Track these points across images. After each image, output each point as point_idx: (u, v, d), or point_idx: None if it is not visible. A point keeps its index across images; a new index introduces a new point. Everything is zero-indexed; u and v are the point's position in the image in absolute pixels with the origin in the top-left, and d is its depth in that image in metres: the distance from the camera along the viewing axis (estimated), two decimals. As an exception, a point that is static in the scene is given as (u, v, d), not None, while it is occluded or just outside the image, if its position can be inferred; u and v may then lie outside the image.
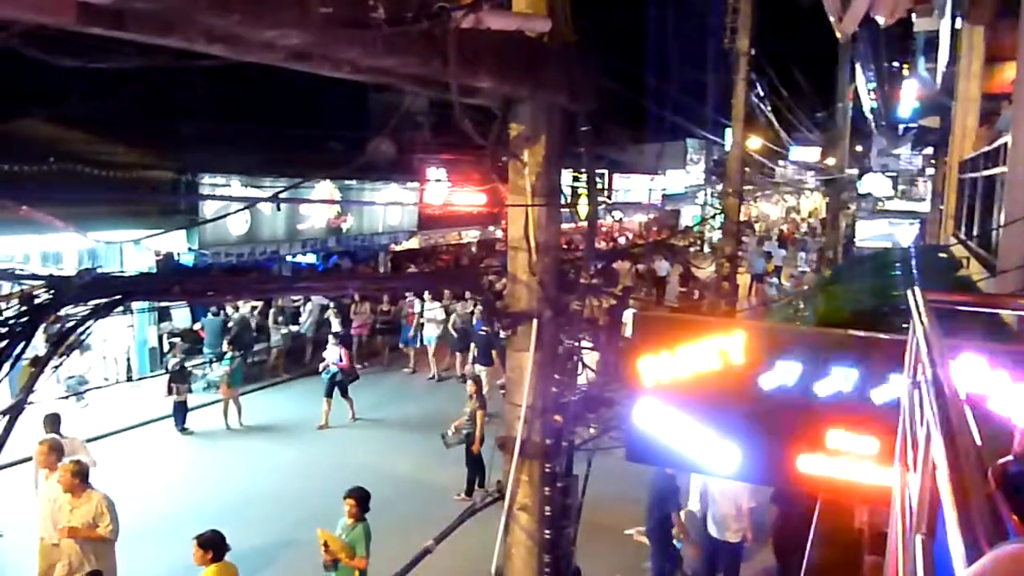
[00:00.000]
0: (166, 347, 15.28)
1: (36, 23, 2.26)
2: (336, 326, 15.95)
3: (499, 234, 25.32)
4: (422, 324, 17.15)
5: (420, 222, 22.99)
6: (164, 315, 16.02)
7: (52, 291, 2.33)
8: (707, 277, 18.17)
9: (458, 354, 16.74)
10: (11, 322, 2.22)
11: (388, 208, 20.91)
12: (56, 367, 2.66)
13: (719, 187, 24.44)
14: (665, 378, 4.67)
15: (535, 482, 4.59)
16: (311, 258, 21.97)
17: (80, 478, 6.79)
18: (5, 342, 2.22)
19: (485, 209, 23.01)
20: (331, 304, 17.22)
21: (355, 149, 18.69)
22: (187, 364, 13.47)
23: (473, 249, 27.89)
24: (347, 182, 19.12)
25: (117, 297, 2.51)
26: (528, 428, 4.49)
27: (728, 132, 15.68)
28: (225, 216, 13.40)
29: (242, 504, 10.24)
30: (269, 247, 17.31)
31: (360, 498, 6.98)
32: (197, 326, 16.41)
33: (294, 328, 17.69)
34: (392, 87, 3.80)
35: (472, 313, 16.27)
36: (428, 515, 8.09)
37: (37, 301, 2.32)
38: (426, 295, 17.15)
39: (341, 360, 13.53)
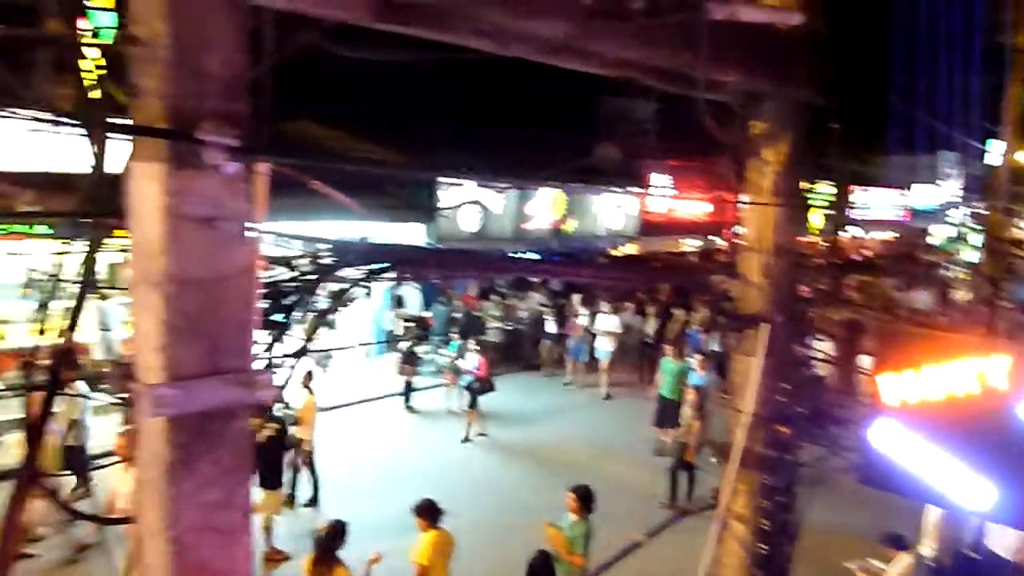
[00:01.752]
0: (399, 331, 16.56)
1: (337, 20, 2.59)
2: (552, 326, 16.31)
3: (721, 243, 24.54)
4: (593, 336, 16.12)
5: (641, 228, 22.93)
6: (399, 302, 17.37)
7: (336, 255, 2.64)
8: (963, 301, 16.33)
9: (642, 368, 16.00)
10: (302, 279, 2.56)
11: (610, 213, 21.09)
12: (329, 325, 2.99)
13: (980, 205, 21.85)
14: (911, 399, 4.30)
15: (753, 493, 4.43)
16: (534, 257, 22.74)
17: None
18: (297, 295, 2.56)
19: (708, 218, 22.43)
20: (549, 303, 17.69)
21: (582, 153, 19.05)
22: (416, 349, 14.55)
23: (693, 259, 27.31)
24: (572, 184, 19.56)
25: (386, 264, 2.79)
26: (750, 436, 4.35)
27: (992, 143, 14.00)
28: (457, 207, 14.23)
29: (450, 479, 10.86)
30: (496, 244, 18.15)
31: (582, 495, 7.02)
32: (427, 314, 17.59)
33: (513, 324, 18.36)
34: (630, 85, 3.85)
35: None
36: (632, 517, 8.08)
37: (322, 262, 2.65)
38: (602, 307, 16.23)
39: (478, 368, 13.14)
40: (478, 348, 13.46)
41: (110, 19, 8.25)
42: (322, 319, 2.76)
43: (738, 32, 3.59)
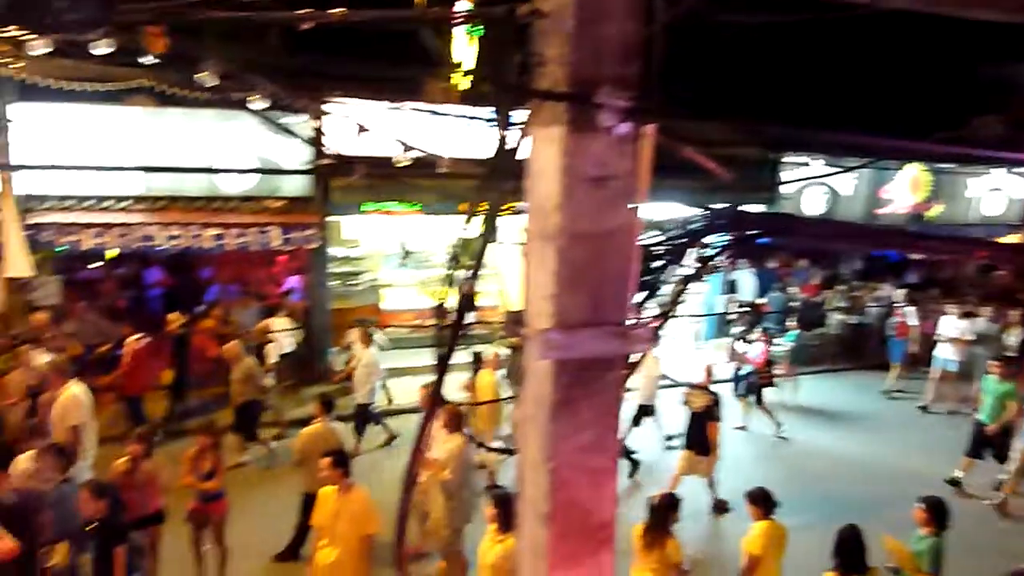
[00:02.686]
0: (731, 317, 16.15)
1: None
2: (914, 319, 14.57)
3: None
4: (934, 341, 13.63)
5: (1028, 215, 19.52)
6: (732, 287, 16.93)
7: (705, 220, 2.66)
8: None
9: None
10: (673, 242, 2.62)
11: (986, 196, 18.26)
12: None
13: None
14: None
15: None
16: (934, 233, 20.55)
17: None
18: (666, 259, 2.62)
19: None
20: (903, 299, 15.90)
21: (953, 127, 16.70)
22: (749, 336, 14.06)
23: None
24: (940, 165, 17.28)
25: (752, 232, 2.73)
26: None
27: None
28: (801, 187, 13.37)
29: (775, 473, 10.35)
30: (843, 230, 16.77)
31: (933, 507, 6.29)
32: (762, 300, 16.89)
33: (857, 318, 16.87)
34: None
35: None
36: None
37: (691, 227, 2.68)
38: (950, 309, 13.65)
39: (758, 358, 12.09)
40: (760, 338, 12.67)
41: None
42: (687, 284, 2.80)
43: None
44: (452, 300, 2.63)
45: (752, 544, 6.20)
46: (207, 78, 4.12)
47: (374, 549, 6.02)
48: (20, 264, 10.49)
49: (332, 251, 13.72)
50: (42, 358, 9.01)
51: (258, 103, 5.22)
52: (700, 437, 9.14)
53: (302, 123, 12.01)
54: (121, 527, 5.92)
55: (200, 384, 11.81)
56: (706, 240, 2.72)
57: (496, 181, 2.52)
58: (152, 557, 7.12)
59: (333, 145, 11.93)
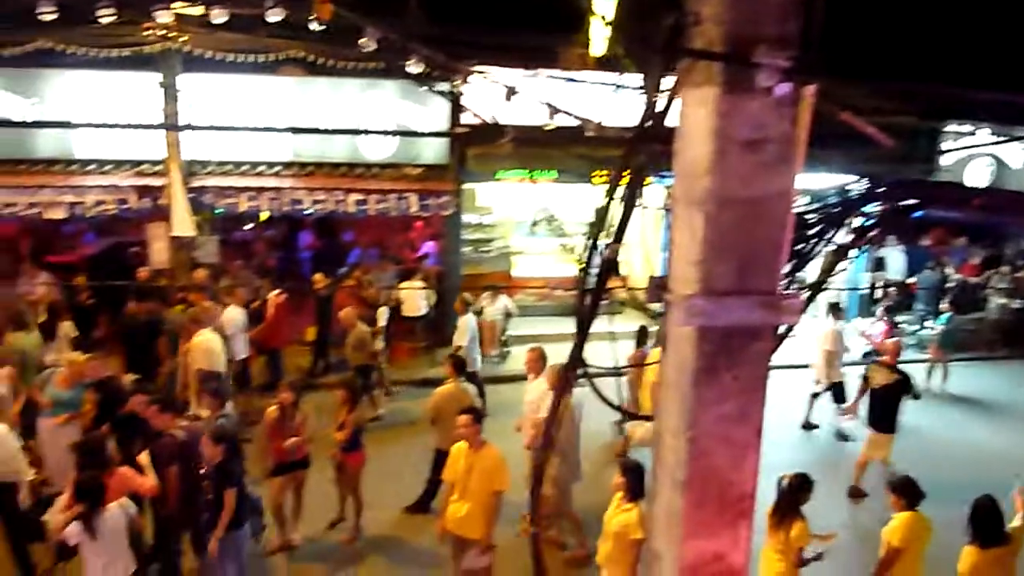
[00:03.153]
0: (877, 296, 15.25)
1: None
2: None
3: None
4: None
5: None
6: (879, 264, 15.94)
7: (863, 189, 2.52)
8: None
9: None
10: (828, 210, 2.50)
11: None
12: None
13: None
14: None
15: None
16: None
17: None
18: (819, 227, 2.51)
19: None
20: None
21: None
22: (895, 317, 13.24)
23: None
24: None
25: (915, 201, 2.57)
26: None
27: None
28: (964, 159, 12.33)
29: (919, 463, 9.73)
30: (1009, 205, 15.36)
31: None
32: (911, 280, 15.82)
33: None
34: None
35: None
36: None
37: (849, 196, 2.55)
38: None
39: (877, 337, 11.34)
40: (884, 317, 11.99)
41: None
42: (843, 256, 2.67)
43: None
44: (593, 266, 2.64)
45: (893, 535, 5.90)
46: (367, 44, 4.29)
47: (502, 506, 6.20)
48: (184, 224, 11.40)
49: (466, 218, 14.02)
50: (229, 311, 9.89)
51: (413, 67, 5.41)
52: (882, 414, 8.85)
53: (441, 91, 12.30)
54: (234, 473, 6.22)
55: (340, 342, 12.44)
56: (865, 210, 2.58)
57: (643, 145, 2.48)
58: (296, 500, 7.66)
59: (471, 113, 12.13)
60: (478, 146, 12.49)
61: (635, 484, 5.56)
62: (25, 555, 6.76)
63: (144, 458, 6.39)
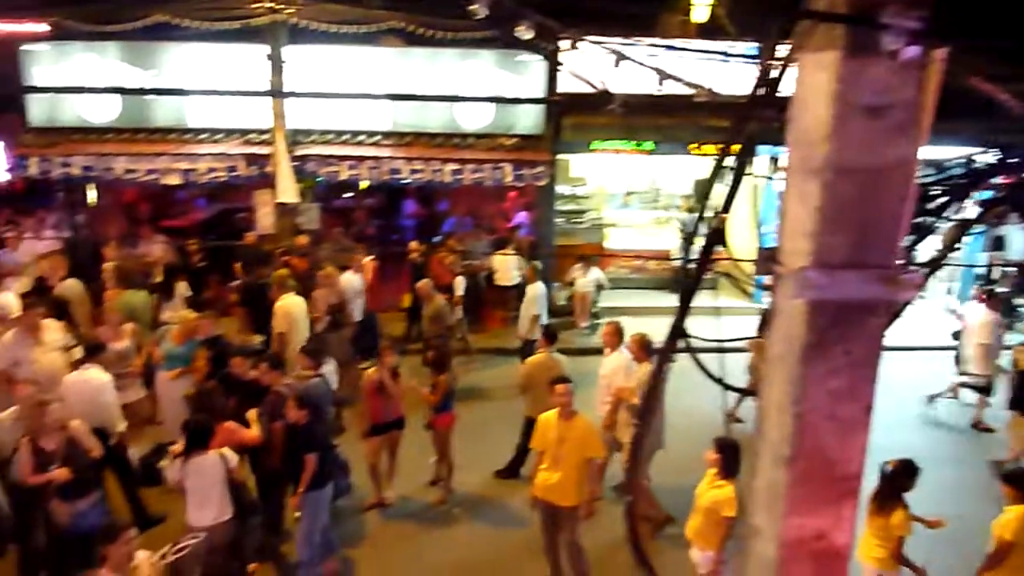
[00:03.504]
0: (995, 277, 14.33)
1: None
2: None
3: None
4: None
5: None
6: (998, 243, 14.96)
7: (994, 160, 2.37)
8: None
9: None
10: (952, 184, 2.37)
11: None
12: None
13: None
14: None
15: None
16: None
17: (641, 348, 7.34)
18: (943, 200, 2.38)
19: None
20: None
21: None
22: (1016, 299, 12.44)
23: None
24: None
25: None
26: None
27: None
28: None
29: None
30: None
31: None
32: (1034, 261, 14.79)
33: None
34: None
35: None
36: None
37: (975, 167, 2.40)
38: None
39: (971, 320, 10.18)
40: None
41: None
42: (964, 231, 2.53)
43: None
44: (698, 236, 2.59)
45: (1005, 529, 5.62)
46: (478, 11, 4.34)
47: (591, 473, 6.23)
48: (289, 191, 11.83)
49: (559, 189, 13.97)
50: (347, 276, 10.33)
51: (524, 33, 5.43)
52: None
53: (537, 60, 12.24)
54: (316, 437, 6.38)
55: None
56: (993, 182, 2.44)
57: (755, 113, 2.41)
58: (391, 459, 7.94)
59: (572, 81, 12.02)
60: (574, 116, 12.39)
61: (730, 461, 5.50)
62: (137, 500, 7.25)
63: (252, 413, 6.75)
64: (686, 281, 2.48)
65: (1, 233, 12.66)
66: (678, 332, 2.45)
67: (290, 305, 9.15)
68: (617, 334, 7.82)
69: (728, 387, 2.62)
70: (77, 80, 12.25)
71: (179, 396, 7.57)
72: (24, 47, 12.20)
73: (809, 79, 2.14)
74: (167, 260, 11.95)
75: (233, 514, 5.92)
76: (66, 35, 12.11)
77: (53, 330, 8.05)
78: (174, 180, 12.32)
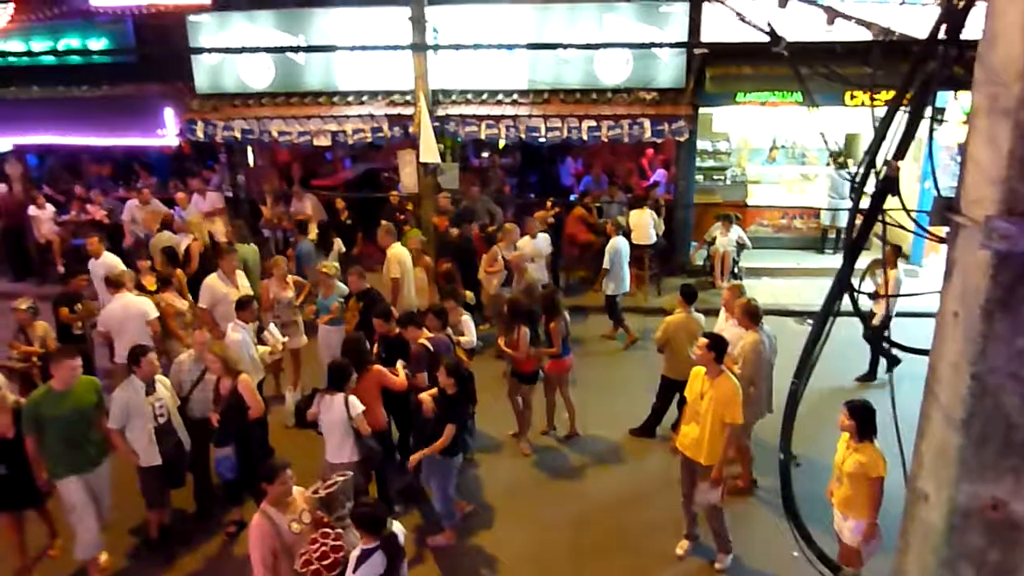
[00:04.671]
0: None
1: None
2: None
3: None
4: None
5: None
6: None
7: None
8: None
9: None
10: None
11: None
12: None
13: None
14: None
15: None
16: None
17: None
18: None
19: None
20: None
21: None
22: None
23: None
24: None
25: None
26: None
27: None
28: None
29: None
30: None
31: None
32: None
33: None
34: None
35: None
36: None
37: None
38: None
39: None
40: None
41: None
42: None
43: None
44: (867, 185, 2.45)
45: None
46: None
47: (732, 440, 6.12)
48: (431, 151, 12.13)
49: (700, 144, 13.53)
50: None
51: None
52: None
53: (680, 10, 11.82)
54: (458, 410, 6.47)
55: (568, 267, 12.76)
56: None
57: (935, 52, 2.23)
58: (527, 409, 8.16)
59: (712, 31, 11.57)
60: (718, 66, 11.90)
61: (865, 424, 5.30)
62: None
63: (400, 364, 7.10)
64: (852, 234, 2.36)
65: (172, 193, 13.83)
66: (844, 287, 2.35)
67: (401, 252, 9.65)
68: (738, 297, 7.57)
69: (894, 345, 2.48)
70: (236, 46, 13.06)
71: (334, 344, 8.05)
72: (191, 18, 13.10)
73: (1003, 11, 1.95)
74: (318, 218, 12.63)
75: (365, 456, 6.27)
76: (226, 5, 12.91)
77: (242, 277, 8.99)
78: (323, 141, 12.94)
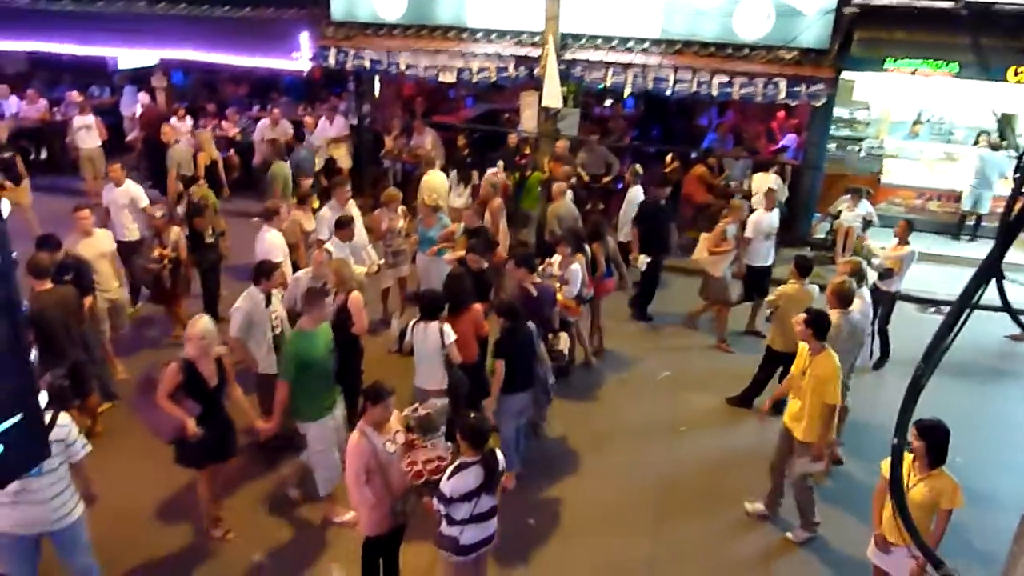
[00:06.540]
0: None
1: None
2: None
3: None
4: None
5: None
6: None
7: None
8: None
9: None
10: None
11: None
12: None
13: None
14: None
15: None
16: None
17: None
18: None
19: None
20: None
21: None
22: None
23: None
24: None
25: None
26: None
27: None
28: None
29: None
30: None
31: None
32: None
33: None
34: None
35: None
36: None
37: None
38: None
39: None
40: None
41: None
42: None
43: None
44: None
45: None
46: None
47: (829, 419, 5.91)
48: (554, 95, 11.98)
49: (837, 111, 12.77)
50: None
51: None
52: None
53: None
54: (509, 345, 6.40)
55: (682, 226, 12.44)
56: None
57: None
58: (577, 337, 8.51)
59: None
60: (869, 28, 11.10)
61: (937, 448, 4.66)
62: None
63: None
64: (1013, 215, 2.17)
65: (301, 116, 14.29)
66: (992, 271, 2.17)
67: (436, 181, 10.24)
68: (856, 274, 7.17)
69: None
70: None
71: (438, 275, 8.21)
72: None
73: None
74: (437, 153, 12.78)
75: (453, 384, 6.39)
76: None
77: (355, 207, 9.23)
78: (448, 77, 13.00)
